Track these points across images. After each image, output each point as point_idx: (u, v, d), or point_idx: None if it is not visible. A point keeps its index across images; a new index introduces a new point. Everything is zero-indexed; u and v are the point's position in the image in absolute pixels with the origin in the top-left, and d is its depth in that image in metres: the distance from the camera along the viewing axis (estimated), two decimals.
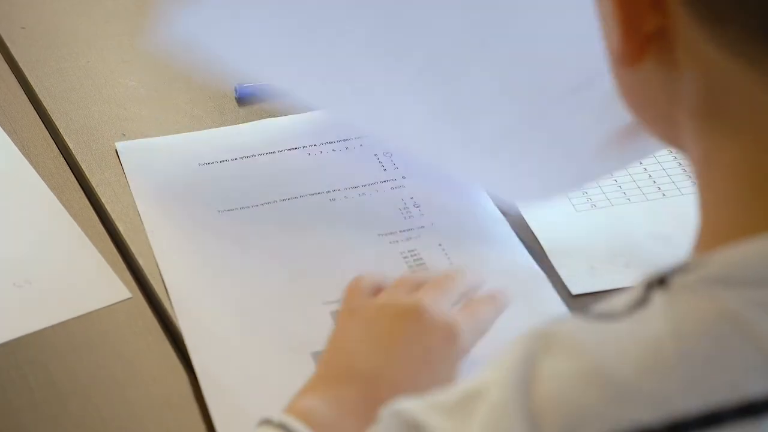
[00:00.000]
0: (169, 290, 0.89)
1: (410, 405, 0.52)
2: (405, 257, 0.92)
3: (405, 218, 0.95)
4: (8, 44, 1.15)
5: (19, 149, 1.02)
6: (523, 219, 0.95)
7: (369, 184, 0.99)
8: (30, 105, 1.08)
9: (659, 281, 0.51)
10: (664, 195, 0.97)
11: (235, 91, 1.09)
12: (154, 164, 1.01)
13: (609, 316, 0.51)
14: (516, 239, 0.93)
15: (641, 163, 1.00)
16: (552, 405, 0.47)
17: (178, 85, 1.11)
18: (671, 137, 0.55)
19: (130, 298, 0.89)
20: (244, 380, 0.83)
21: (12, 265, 0.91)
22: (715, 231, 0.52)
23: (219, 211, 0.96)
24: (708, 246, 0.52)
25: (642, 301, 0.51)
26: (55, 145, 1.03)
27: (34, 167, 1.00)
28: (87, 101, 1.08)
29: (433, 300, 0.77)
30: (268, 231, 0.95)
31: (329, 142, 1.03)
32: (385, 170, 1.00)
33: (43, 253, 0.93)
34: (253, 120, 1.07)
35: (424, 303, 0.76)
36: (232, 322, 0.87)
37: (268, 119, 1.06)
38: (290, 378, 0.79)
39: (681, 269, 0.51)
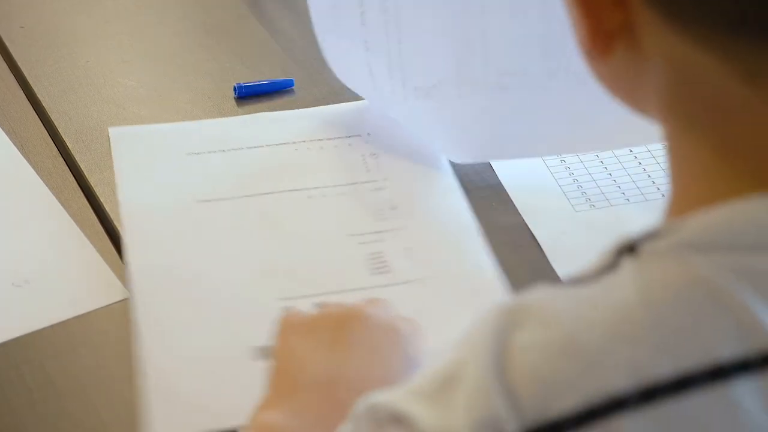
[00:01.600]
0: (131, 275, 0.89)
1: (387, 397, 0.52)
2: (369, 259, 0.92)
3: (378, 220, 0.95)
4: (7, 44, 1.15)
5: (18, 149, 1.02)
6: (522, 219, 0.95)
7: (349, 184, 0.98)
8: (29, 105, 1.08)
9: (629, 248, 0.51)
10: (663, 195, 0.97)
11: (235, 90, 1.09)
12: (142, 150, 1.02)
13: (578, 282, 0.52)
14: (484, 252, 0.91)
15: (640, 163, 1.01)
16: (527, 378, 0.48)
17: (178, 85, 1.11)
18: (645, 113, 0.56)
19: (129, 298, 0.89)
20: (188, 372, 0.83)
21: (10, 265, 0.91)
22: (686, 200, 0.53)
23: (198, 201, 0.96)
24: (679, 213, 0.52)
25: (611, 267, 0.51)
26: (54, 145, 1.03)
27: (33, 167, 1.00)
28: (86, 101, 1.08)
29: (371, 306, 0.77)
30: (240, 224, 0.95)
31: (319, 140, 1.03)
32: (368, 171, 1.00)
33: (42, 253, 0.92)
34: None
35: (363, 307, 0.76)
36: (188, 314, 0.87)
37: (265, 113, 1.06)
38: (235, 373, 0.80)
39: (651, 235, 0.51)
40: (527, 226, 0.95)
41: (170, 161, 1.01)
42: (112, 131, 1.03)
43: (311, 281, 0.89)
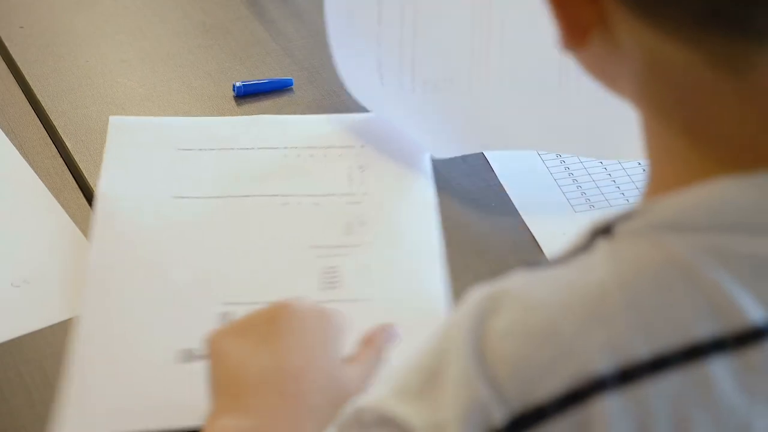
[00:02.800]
0: (89, 262, 0.89)
1: (373, 400, 0.52)
2: (323, 273, 0.91)
3: (344, 234, 0.94)
4: (6, 44, 1.15)
5: (17, 149, 1.02)
6: (522, 220, 0.95)
7: (327, 195, 0.97)
8: (28, 105, 1.08)
9: (604, 229, 0.52)
10: None
11: (234, 89, 1.09)
12: (136, 142, 1.02)
13: (554, 264, 0.52)
14: (440, 279, 0.90)
15: (639, 163, 1.01)
16: (507, 365, 0.48)
17: (177, 85, 1.11)
18: (623, 96, 0.57)
19: None
20: (113, 371, 0.82)
21: (9, 265, 0.91)
22: (662, 182, 0.54)
23: (173, 197, 0.96)
24: (655, 195, 0.53)
25: (586, 248, 0.52)
26: (53, 145, 1.03)
27: (33, 167, 1.00)
28: (86, 101, 1.08)
29: (294, 300, 0.75)
30: (207, 225, 0.94)
31: (311, 147, 1.02)
32: (350, 184, 0.99)
33: (41, 253, 0.92)
34: None
35: (287, 301, 0.75)
36: (129, 312, 0.86)
37: (264, 115, 1.06)
38: (160, 375, 0.80)
39: (626, 216, 0.52)
40: (527, 226, 0.95)
41: (159, 155, 1.01)
42: (113, 120, 1.03)
43: (258, 289, 0.87)
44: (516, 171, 1.01)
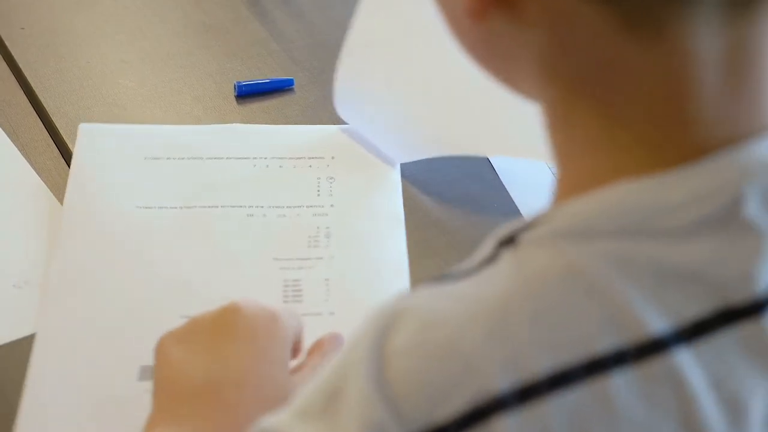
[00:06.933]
0: (49, 272, 0.89)
1: (275, 421, 0.50)
2: (285, 286, 0.90)
3: (309, 247, 0.93)
4: (8, 44, 1.15)
5: (19, 150, 1.02)
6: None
7: (293, 207, 0.97)
8: (30, 106, 1.08)
9: (509, 238, 0.50)
10: None
11: (235, 89, 1.09)
12: (104, 150, 1.00)
13: (459, 277, 0.50)
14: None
15: None
16: (407, 384, 0.46)
17: (178, 86, 1.11)
18: (517, 84, 0.54)
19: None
20: (71, 386, 0.81)
21: (11, 266, 0.91)
22: (572, 180, 0.51)
23: (138, 207, 0.95)
24: (565, 196, 0.50)
25: (490, 259, 0.50)
26: (55, 147, 1.03)
27: (34, 168, 1.00)
28: (87, 102, 1.08)
29: (244, 300, 0.73)
30: (170, 235, 0.93)
31: (280, 158, 1.01)
32: (318, 195, 0.98)
33: (43, 254, 0.92)
34: (252, 119, 1.07)
35: (236, 302, 0.72)
36: (89, 325, 0.85)
37: (236, 124, 1.05)
38: (119, 392, 0.80)
39: (530, 224, 0.50)
40: None
41: (126, 164, 0.99)
42: (83, 127, 1.02)
43: (219, 301, 0.85)
44: (518, 171, 1.01)
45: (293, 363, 0.73)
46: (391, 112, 1.00)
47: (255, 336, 0.70)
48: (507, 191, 0.99)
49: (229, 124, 1.05)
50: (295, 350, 0.74)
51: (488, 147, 1.00)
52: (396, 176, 1.01)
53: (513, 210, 0.97)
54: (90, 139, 1.01)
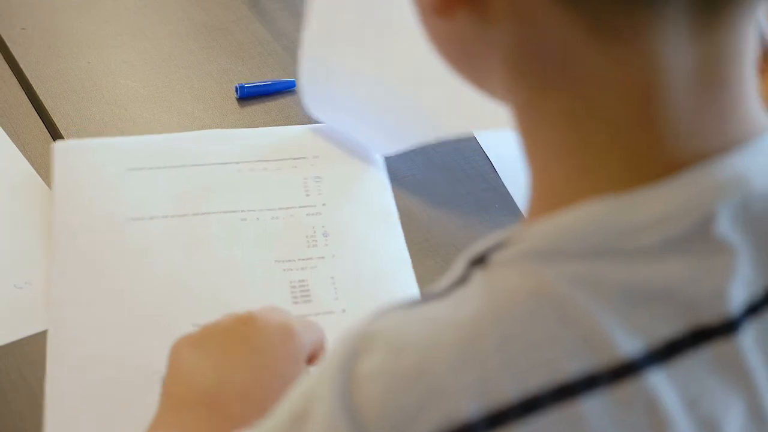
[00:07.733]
0: (50, 292, 0.88)
1: None
2: (292, 287, 0.90)
3: (309, 247, 0.94)
4: (9, 45, 1.15)
5: (20, 150, 1.02)
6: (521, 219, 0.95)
7: (285, 208, 0.97)
8: (31, 106, 1.08)
9: (480, 258, 0.49)
10: None
11: (236, 91, 1.09)
12: (84, 166, 0.99)
13: (430, 299, 0.49)
14: (412, 287, 0.89)
15: None
16: (374, 409, 0.45)
17: (179, 86, 1.11)
18: (486, 86, 0.53)
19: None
20: (92, 395, 0.81)
21: (12, 266, 0.91)
22: (549, 189, 0.50)
23: (129, 220, 0.94)
24: (543, 206, 0.49)
25: (461, 280, 0.49)
26: None
27: (35, 168, 1.00)
28: (88, 102, 1.08)
29: (262, 310, 0.73)
30: (168, 245, 0.93)
31: (264, 161, 1.01)
32: (307, 196, 0.98)
33: (44, 255, 0.92)
34: (253, 120, 1.07)
35: (253, 311, 0.72)
36: (101, 337, 0.85)
37: (211, 130, 1.04)
38: (138, 399, 0.79)
39: (500, 244, 0.49)
40: None
41: (109, 177, 0.98)
42: (57, 146, 1.00)
43: (229, 307, 0.85)
44: (519, 172, 1.00)
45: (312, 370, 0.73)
46: (363, 104, 0.99)
47: (264, 349, 0.70)
48: (507, 191, 0.99)
49: (202, 131, 1.04)
50: (312, 357, 0.73)
51: (468, 122, 0.98)
52: (381, 169, 1.01)
53: (513, 210, 0.97)
54: (67, 157, 0.99)
